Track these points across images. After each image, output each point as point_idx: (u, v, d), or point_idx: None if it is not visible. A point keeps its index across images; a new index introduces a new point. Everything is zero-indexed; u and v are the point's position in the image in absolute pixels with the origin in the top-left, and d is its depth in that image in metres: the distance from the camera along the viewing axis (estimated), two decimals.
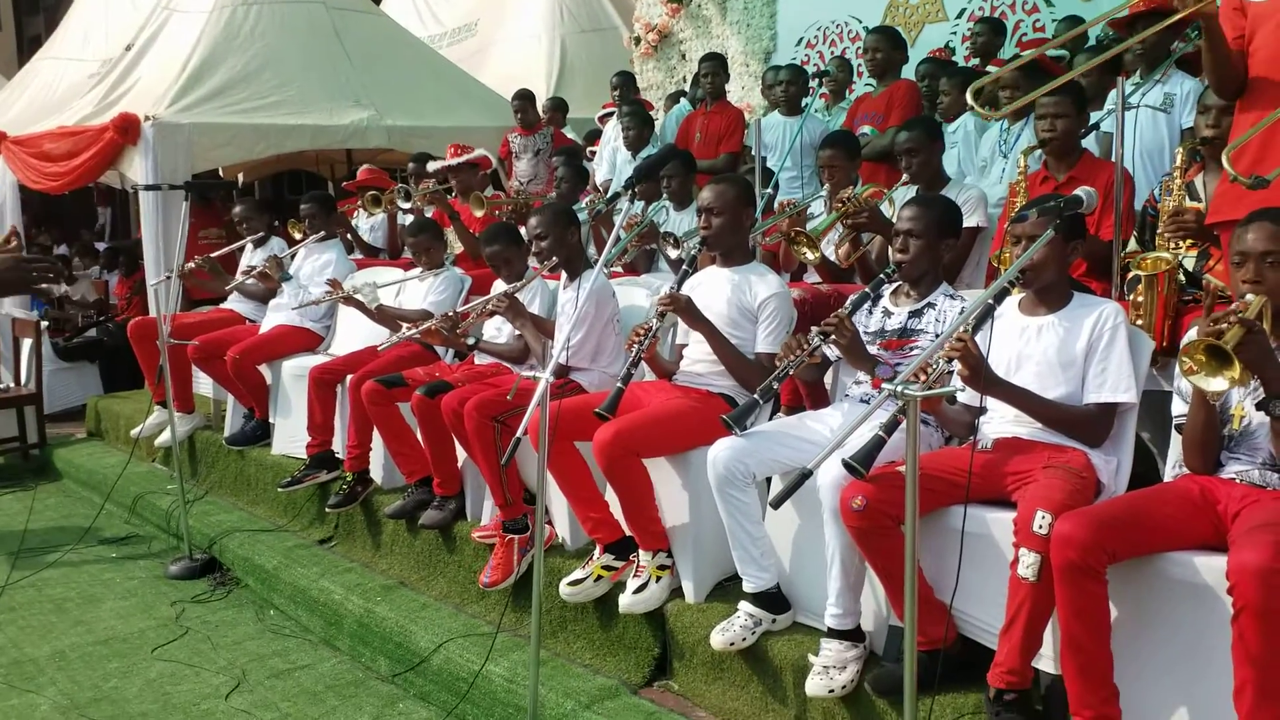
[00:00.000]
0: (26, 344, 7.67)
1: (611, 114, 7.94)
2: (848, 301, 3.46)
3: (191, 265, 6.08)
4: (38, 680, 4.10)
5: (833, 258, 4.69)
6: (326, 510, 5.07)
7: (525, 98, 8.05)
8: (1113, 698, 2.54)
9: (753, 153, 6.42)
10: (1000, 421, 3.09)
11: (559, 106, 8.88)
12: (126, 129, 7.42)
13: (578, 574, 3.72)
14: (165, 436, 6.23)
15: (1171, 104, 4.62)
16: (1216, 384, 2.35)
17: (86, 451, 7.18)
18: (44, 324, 7.96)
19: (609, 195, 6.34)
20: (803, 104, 6.28)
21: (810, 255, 4.36)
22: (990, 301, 2.93)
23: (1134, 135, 4.58)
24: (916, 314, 3.43)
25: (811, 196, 5.07)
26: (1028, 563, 2.59)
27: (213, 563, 5.24)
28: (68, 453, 7.18)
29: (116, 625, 4.62)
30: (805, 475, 2.30)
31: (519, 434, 3.02)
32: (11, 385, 7.79)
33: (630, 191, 3.77)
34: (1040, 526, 2.58)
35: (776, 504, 2.35)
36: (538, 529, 3.15)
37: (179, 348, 5.83)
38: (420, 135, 8.42)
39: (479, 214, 6.33)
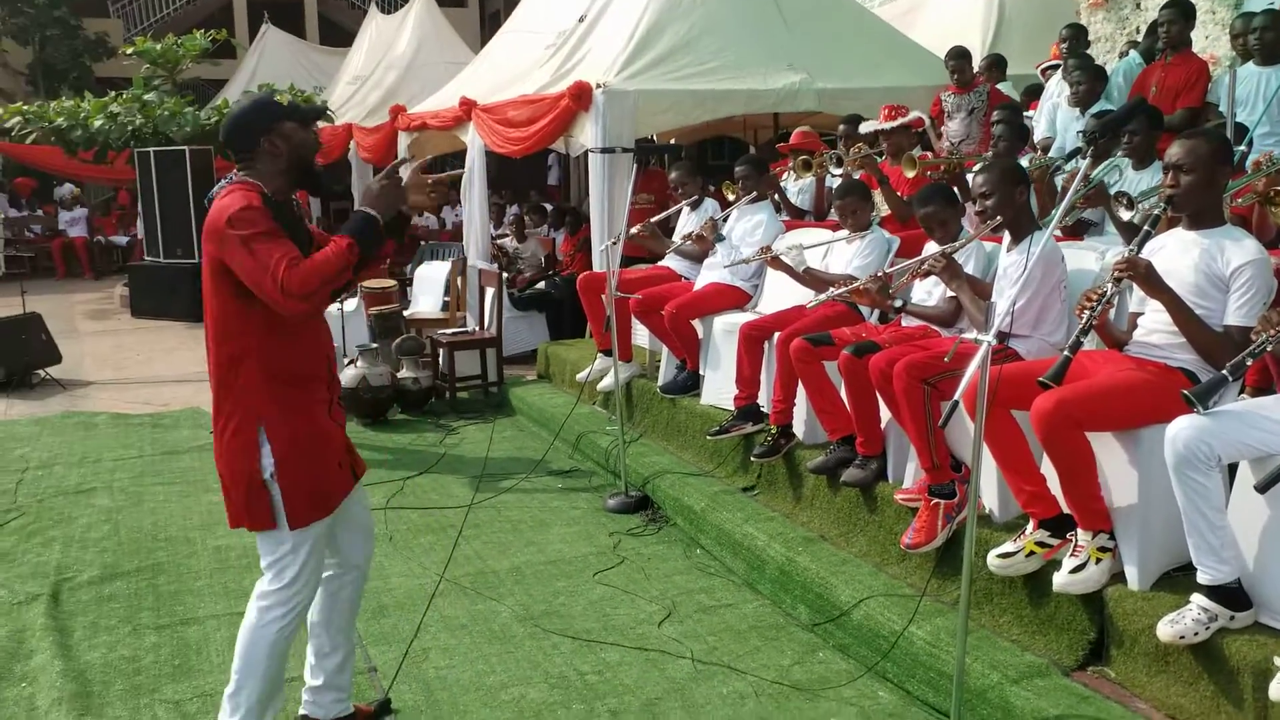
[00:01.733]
0: (489, 293, 8.60)
1: (1054, 67, 7.49)
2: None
3: (635, 230, 6.50)
4: (498, 590, 4.62)
5: None
6: (751, 460, 5.28)
7: (961, 55, 7.79)
8: None
9: (1219, 108, 5.81)
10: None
11: (996, 63, 8.49)
12: (580, 96, 8.02)
13: (1008, 546, 3.61)
14: (607, 382, 6.76)
15: None
16: None
17: (537, 392, 7.94)
18: (504, 275, 8.89)
19: (1068, 153, 6.01)
20: None
21: None
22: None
23: None
24: None
25: None
26: None
27: (646, 500, 5.63)
28: (521, 391, 7.98)
29: (563, 549, 5.11)
30: None
31: (956, 397, 2.97)
32: (476, 329, 8.77)
33: (1090, 148, 3.55)
34: None
35: (1263, 488, 2.14)
36: (971, 495, 3.08)
37: (622, 301, 6.28)
38: (850, 97, 8.40)
39: (910, 175, 6.23)
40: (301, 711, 3.41)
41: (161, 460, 6.72)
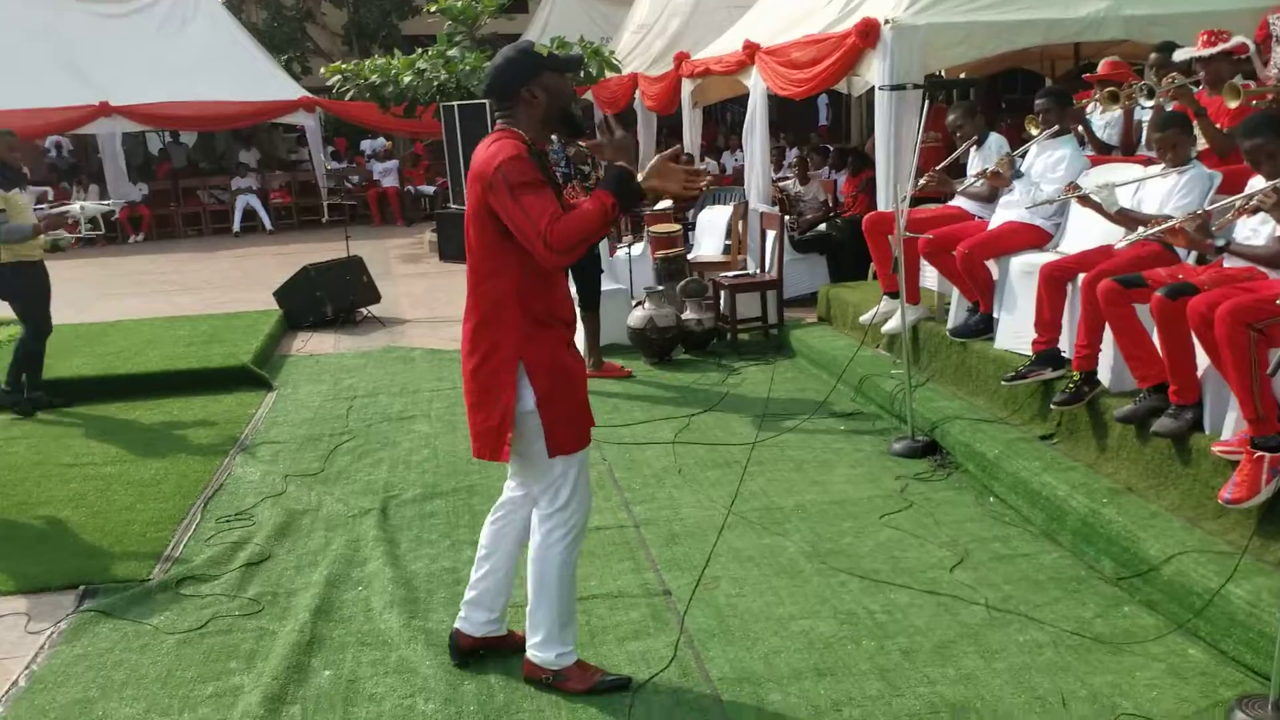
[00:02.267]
0: (770, 236, 8.63)
1: None
2: None
3: (922, 182, 6.31)
4: (784, 526, 4.71)
5: None
6: (1050, 407, 5.08)
7: None
8: None
9: None
10: None
11: None
12: (867, 33, 7.83)
13: None
14: (891, 324, 6.66)
15: None
16: None
17: (817, 334, 7.93)
18: (785, 218, 8.88)
19: None
20: None
21: None
22: None
23: None
24: None
25: None
26: None
27: (933, 445, 5.54)
28: (801, 334, 8.00)
29: (847, 489, 5.12)
30: None
31: None
32: (757, 272, 8.84)
33: None
34: None
35: None
36: None
37: (910, 241, 6.15)
38: (1161, 23, 7.73)
39: (1233, 106, 5.68)
40: (455, 626, 3.63)
41: None
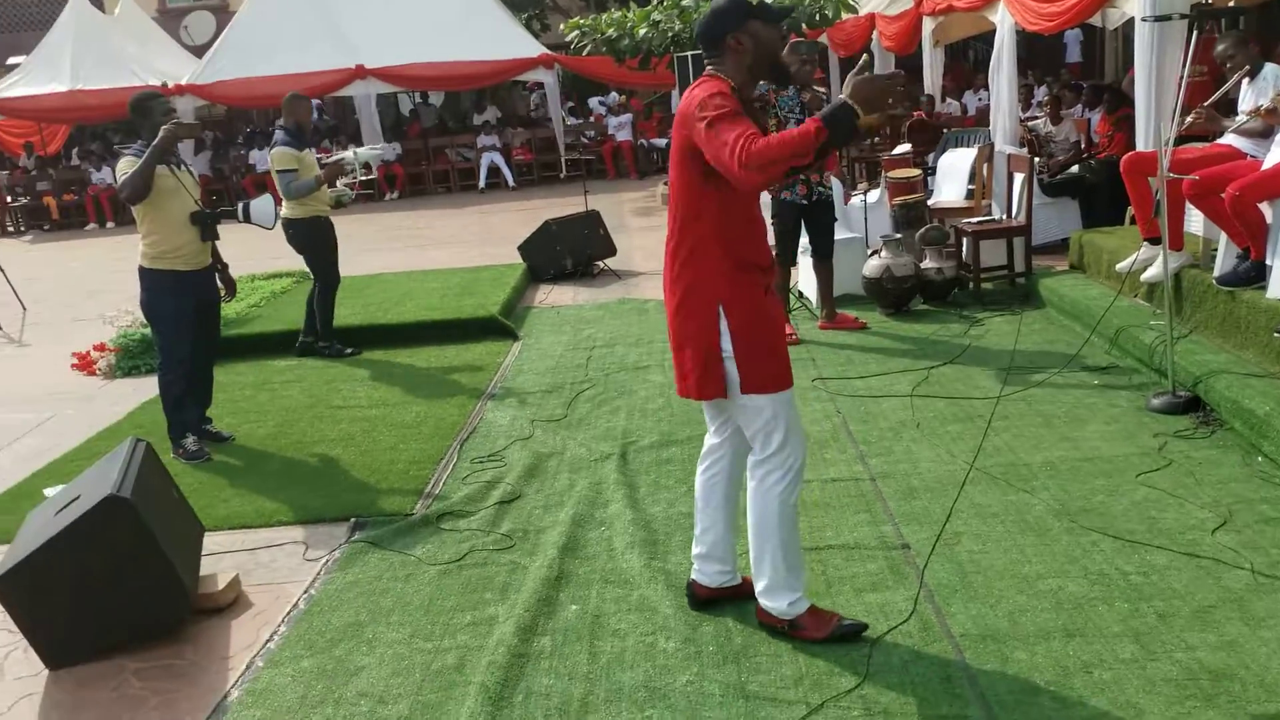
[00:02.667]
0: (1018, 179, 8.25)
1: None
2: None
3: (1190, 120, 5.87)
4: (1031, 483, 4.54)
5: None
6: None
7: None
8: None
9: None
10: None
11: None
12: None
13: None
14: (1151, 272, 6.26)
15: None
16: None
17: (1069, 283, 7.55)
18: (1035, 160, 8.46)
19: None
20: None
21: None
22: None
23: None
24: None
25: None
26: None
27: (1195, 401, 5.20)
28: (1052, 282, 7.63)
29: (1100, 446, 4.89)
30: None
31: None
32: (1003, 217, 8.48)
33: None
34: None
35: None
36: None
37: (1174, 182, 5.74)
38: None
39: None
40: (691, 577, 3.68)
41: None
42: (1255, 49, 6.11)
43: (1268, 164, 5.62)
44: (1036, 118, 11.22)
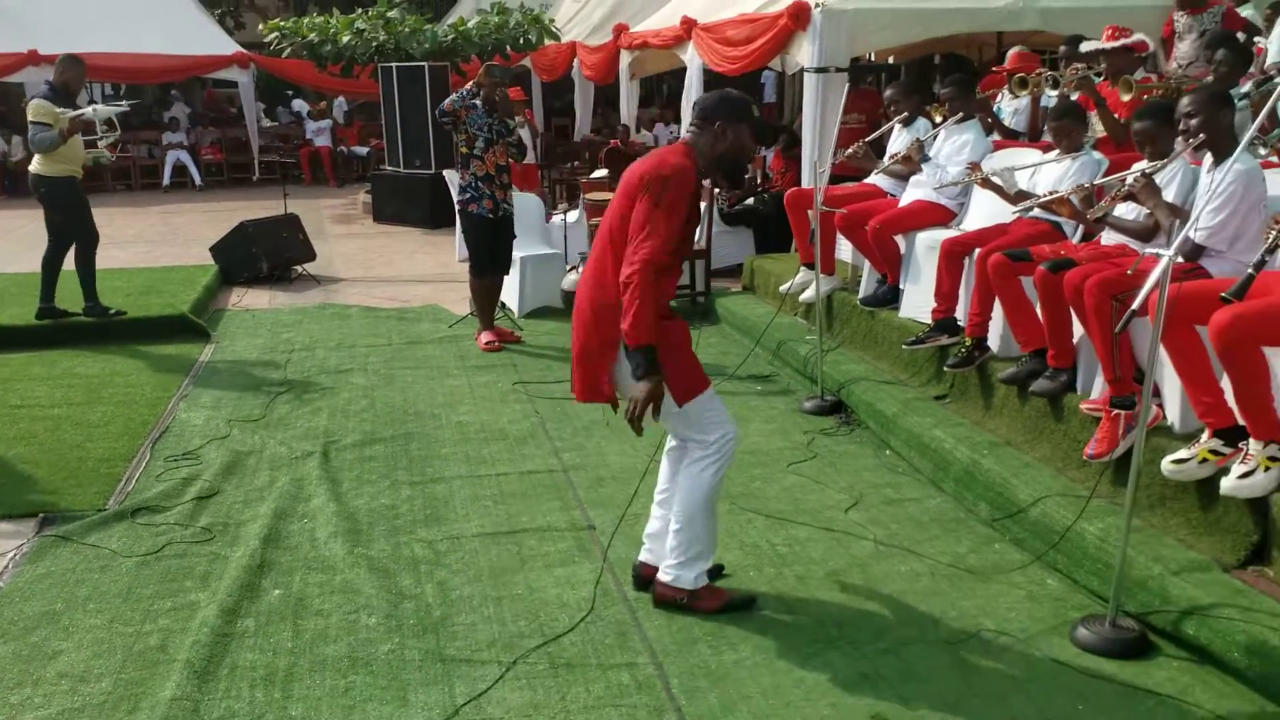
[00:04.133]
0: (700, 208, 9.01)
1: None
2: None
3: (849, 152, 6.73)
4: None
5: None
6: (944, 370, 5.56)
7: None
8: None
9: None
10: None
11: None
12: (798, 15, 8.23)
13: (1182, 453, 3.82)
14: (808, 294, 7.10)
15: None
16: None
17: (741, 302, 8.36)
18: (716, 192, 9.26)
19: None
20: None
21: None
22: None
23: None
24: None
25: None
26: None
27: (840, 404, 6.01)
28: (727, 301, 8.43)
29: (760, 441, 5.56)
30: None
31: (1134, 306, 3.17)
32: None
33: None
34: None
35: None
36: (1145, 397, 3.32)
37: (827, 215, 6.58)
38: (1075, 16, 8.25)
39: (1126, 98, 6.21)
40: (639, 558, 3.96)
41: (407, 348, 7.54)
42: (917, 99, 7.10)
43: (903, 203, 6.56)
44: None
